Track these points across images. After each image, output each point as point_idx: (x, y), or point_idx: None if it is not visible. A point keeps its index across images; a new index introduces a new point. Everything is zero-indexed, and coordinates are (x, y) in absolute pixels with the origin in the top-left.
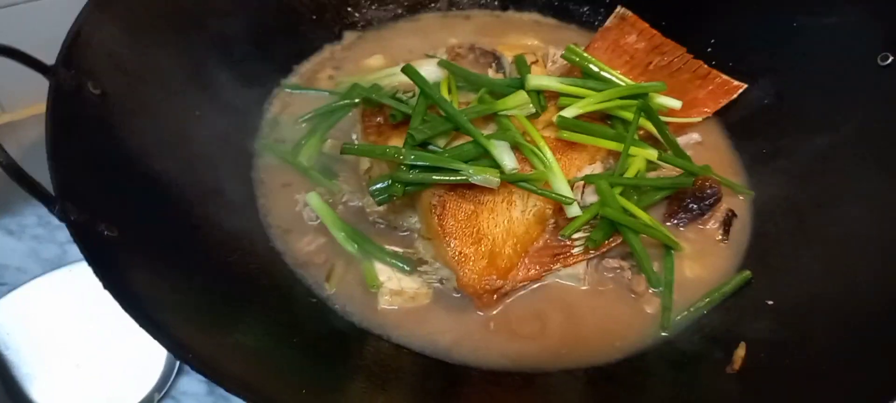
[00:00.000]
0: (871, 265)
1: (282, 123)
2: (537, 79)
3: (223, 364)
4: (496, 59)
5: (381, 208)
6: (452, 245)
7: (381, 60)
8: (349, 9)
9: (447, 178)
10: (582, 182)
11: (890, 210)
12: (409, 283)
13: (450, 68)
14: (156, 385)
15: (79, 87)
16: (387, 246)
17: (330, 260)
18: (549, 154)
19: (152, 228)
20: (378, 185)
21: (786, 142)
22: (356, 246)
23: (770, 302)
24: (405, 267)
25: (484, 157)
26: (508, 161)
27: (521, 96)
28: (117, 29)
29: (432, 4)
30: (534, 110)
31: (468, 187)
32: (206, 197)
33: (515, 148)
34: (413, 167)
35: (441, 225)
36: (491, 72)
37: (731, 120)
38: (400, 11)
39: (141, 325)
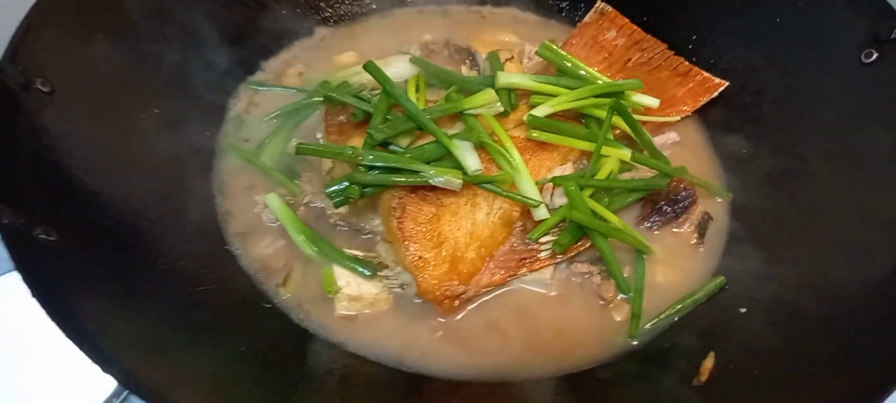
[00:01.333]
0: (849, 272)
1: (247, 122)
2: (508, 76)
3: (161, 380)
4: (471, 56)
5: (342, 210)
6: (411, 249)
7: (353, 57)
8: (321, 3)
9: (407, 180)
10: (551, 183)
11: (870, 215)
12: (369, 288)
13: (421, 65)
14: (115, 390)
15: (26, 84)
16: (348, 250)
17: (289, 264)
18: (516, 154)
19: (96, 233)
20: (335, 187)
21: (766, 142)
22: (315, 249)
23: (743, 310)
24: (365, 271)
25: (447, 158)
26: (471, 161)
27: (489, 94)
28: (71, 23)
29: (409, 1)
30: (502, 109)
31: (430, 189)
32: (159, 200)
33: (481, 148)
34: (372, 168)
35: (400, 228)
36: (465, 70)
37: (711, 119)
38: (374, 6)
39: (70, 337)
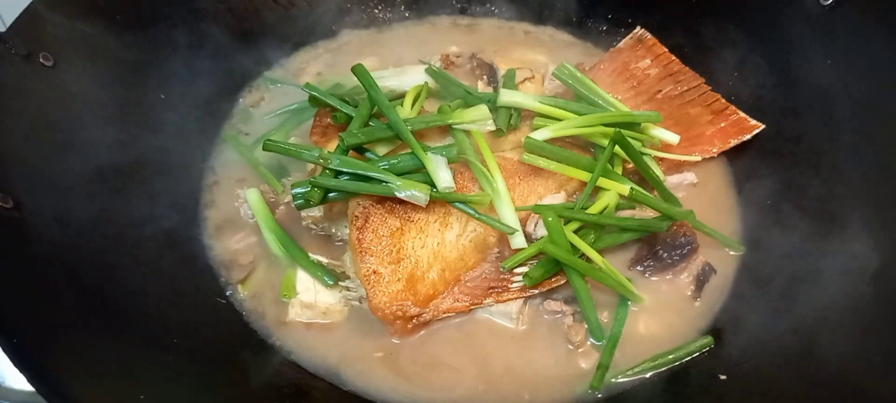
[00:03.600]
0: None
1: (253, 115)
2: (511, 94)
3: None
4: (491, 72)
5: (316, 214)
6: (367, 261)
7: (374, 62)
8: (351, 6)
9: (371, 189)
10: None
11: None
12: (326, 298)
13: (435, 76)
14: None
15: (29, 55)
16: (317, 256)
17: (254, 262)
18: (498, 176)
19: (65, 203)
20: (299, 189)
21: (794, 196)
22: (283, 249)
23: (723, 378)
24: (328, 279)
25: (421, 171)
26: (443, 177)
27: (481, 110)
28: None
29: (441, 10)
30: (494, 127)
31: (399, 202)
32: (145, 182)
33: (465, 165)
34: (340, 173)
35: (359, 238)
36: (481, 85)
37: (738, 163)
38: (407, 14)
39: None
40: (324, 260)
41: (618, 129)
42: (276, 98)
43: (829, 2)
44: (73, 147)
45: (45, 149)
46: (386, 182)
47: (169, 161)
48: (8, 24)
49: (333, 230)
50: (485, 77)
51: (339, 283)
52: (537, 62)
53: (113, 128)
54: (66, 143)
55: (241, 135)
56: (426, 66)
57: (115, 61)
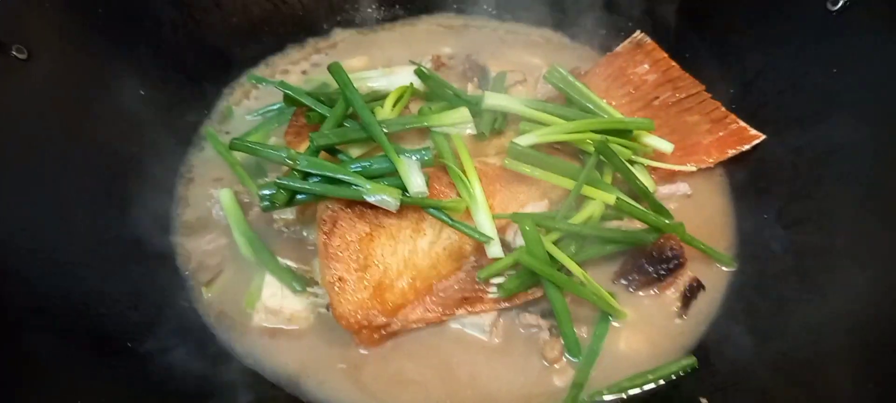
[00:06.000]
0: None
1: (235, 114)
2: (496, 97)
3: None
4: (483, 74)
5: (288, 216)
6: (333, 267)
7: (364, 62)
8: (345, 5)
9: (339, 192)
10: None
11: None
12: (292, 304)
13: (423, 77)
14: None
15: (1, 47)
16: (286, 260)
17: (222, 264)
18: (475, 181)
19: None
20: (266, 191)
21: (793, 211)
22: (252, 252)
23: (704, 401)
24: (296, 285)
25: (395, 175)
26: (416, 181)
27: (461, 113)
28: None
29: (436, 10)
30: (475, 130)
31: (369, 206)
32: (115, 179)
33: (443, 170)
34: (309, 175)
35: (326, 243)
36: (471, 88)
37: (736, 174)
38: (401, 12)
39: None
40: (293, 264)
41: (603, 137)
42: (262, 96)
43: (838, 6)
44: (44, 140)
45: (15, 143)
46: (355, 185)
47: (143, 158)
48: None
49: (305, 233)
50: (476, 79)
51: (307, 289)
52: (532, 65)
53: (88, 121)
54: (36, 136)
55: (222, 133)
56: (415, 68)
57: (94, 55)
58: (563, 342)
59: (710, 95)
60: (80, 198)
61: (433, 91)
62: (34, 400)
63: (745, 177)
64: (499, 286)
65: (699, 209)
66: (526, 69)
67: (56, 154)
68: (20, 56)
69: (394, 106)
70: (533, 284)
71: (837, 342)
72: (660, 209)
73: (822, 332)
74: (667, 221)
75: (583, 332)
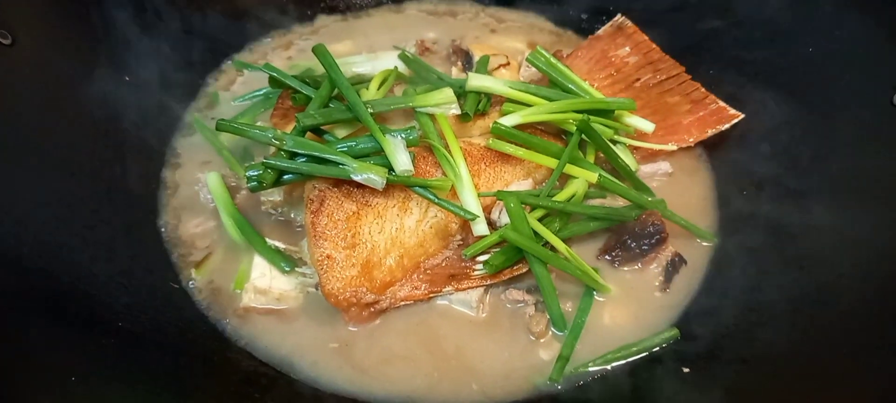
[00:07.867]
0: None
1: (223, 99)
2: (480, 78)
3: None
4: (466, 58)
5: (276, 198)
6: (321, 246)
7: (349, 47)
8: None
9: (326, 171)
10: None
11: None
12: (281, 284)
13: (407, 61)
14: None
15: None
16: (274, 241)
17: (211, 247)
18: (460, 160)
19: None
20: (252, 172)
21: (771, 187)
22: (240, 233)
23: (686, 370)
24: (284, 265)
25: (381, 154)
26: (402, 160)
27: (446, 93)
28: None
29: None
30: (459, 111)
31: (357, 185)
32: (104, 164)
33: (428, 150)
34: (295, 155)
35: (314, 222)
36: (455, 71)
37: (717, 154)
38: (385, 0)
39: None
40: (281, 245)
41: (585, 116)
42: (248, 81)
43: None
44: (30, 126)
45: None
46: (342, 164)
47: (131, 143)
48: None
49: (293, 215)
50: (460, 63)
51: (296, 269)
52: (515, 49)
53: (73, 107)
54: (21, 121)
55: (208, 119)
56: (400, 52)
57: (78, 40)
58: (548, 316)
59: (690, 77)
60: (67, 183)
61: (417, 74)
62: (27, 381)
63: (724, 155)
64: (485, 262)
65: (680, 186)
66: (509, 53)
67: (42, 139)
68: (4, 41)
69: (378, 88)
70: (518, 260)
71: (814, 314)
72: (641, 186)
73: (800, 305)
74: (649, 198)
75: (568, 307)
